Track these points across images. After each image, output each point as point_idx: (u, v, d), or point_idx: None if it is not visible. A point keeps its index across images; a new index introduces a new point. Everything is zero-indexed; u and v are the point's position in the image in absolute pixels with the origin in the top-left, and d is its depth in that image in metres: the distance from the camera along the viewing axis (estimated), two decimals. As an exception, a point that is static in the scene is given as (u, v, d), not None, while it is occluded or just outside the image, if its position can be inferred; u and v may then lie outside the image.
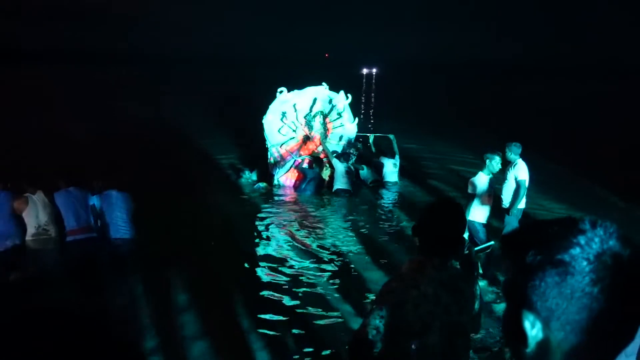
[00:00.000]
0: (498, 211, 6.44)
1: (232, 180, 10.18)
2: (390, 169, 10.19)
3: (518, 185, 6.12)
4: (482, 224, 5.96)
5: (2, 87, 34.88)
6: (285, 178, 9.96)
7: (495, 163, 5.92)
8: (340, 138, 10.46)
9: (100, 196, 6.10)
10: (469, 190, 6.03)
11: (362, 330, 2.06)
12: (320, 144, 10.13)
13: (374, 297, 2.18)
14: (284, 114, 9.89)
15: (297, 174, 10.00)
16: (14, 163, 9.92)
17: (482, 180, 5.97)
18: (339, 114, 10.33)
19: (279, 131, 9.91)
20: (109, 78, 50.11)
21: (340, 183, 9.38)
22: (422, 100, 34.79)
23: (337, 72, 53.84)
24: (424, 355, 2.05)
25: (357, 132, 10.74)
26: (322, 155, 10.08)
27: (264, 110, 10.04)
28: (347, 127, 10.45)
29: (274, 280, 5.78)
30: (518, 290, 0.81)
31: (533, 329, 0.79)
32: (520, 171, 6.16)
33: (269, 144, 10.00)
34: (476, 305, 2.18)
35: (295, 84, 10.31)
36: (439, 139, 15.85)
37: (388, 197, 9.72)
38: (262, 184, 9.78)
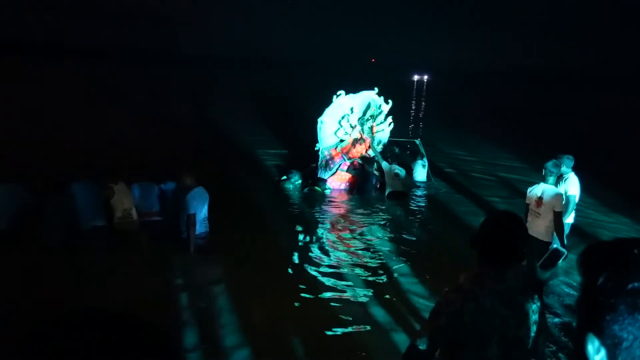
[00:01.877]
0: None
1: (278, 183, 10.21)
2: (420, 169, 10.86)
3: (568, 200, 5.81)
4: (544, 242, 5.35)
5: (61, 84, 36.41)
6: (333, 181, 10.12)
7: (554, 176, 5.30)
8: (379, 142, 10.75)
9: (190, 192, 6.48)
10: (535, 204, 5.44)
11: (417, 340, 2.06)
12: (368, 148, 10.37)
13: (433, 308, 2.15)
14: (343, 117, 10.14)
15: (348, 177, 10.15)
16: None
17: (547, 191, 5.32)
18: (384, 119, 10.64)
19: (335, 133, 10.13)
20: (155, 77, 51.36)
21: (391, 186, 9.60)
22: (468, 107, 34.23)
23: (384, 77, 53.48)
24: None
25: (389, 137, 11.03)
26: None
27: (310, 113, 10.27)
28: (385, 131, 10.79)
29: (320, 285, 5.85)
30: (587, 312, 0.77)
31: (597, 355, 0.74)
32: (571, 186, 5.87)
33: (320, 146, 10.18)
34: (535, 326, 2.12)
35: (343, 88, 10.45)
36: (485, 146, 15.74)
37: (428, 202, 9.80)
38: (317, 188, 9.87)
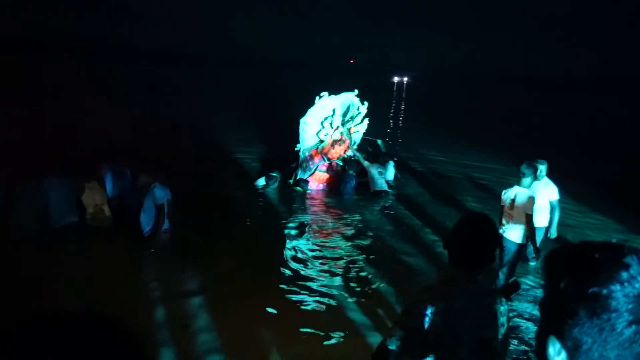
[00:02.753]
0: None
1: (259, 186, 10.08)
2: (390, 169, 10.65)
3: (552, 206, 5.99)
4: (517, 243, 5.37)
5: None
6: (312, 181, 10.13)
7: (529, 178, 5.34)
8: (354, 143, 10.86)
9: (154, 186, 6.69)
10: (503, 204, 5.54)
11: (387, 340, 2.08)
12: (347, 149, 10.42)
13: (403, 308, 2.16)
14: (325, 118, 10.22)
15: (325, 177, 10.20)
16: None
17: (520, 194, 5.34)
18: (361, 121, 10.72)
19: (317, 134, 10.19)
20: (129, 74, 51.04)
21: (377, 185, 9.82)
22: (446, 109, 34.67)
23: (363, 78, 53.89)
24: None
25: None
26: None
27: (290, 113, 10.29)
28: (360, 132, 10.87)
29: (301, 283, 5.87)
30: (549, 315, 0.78)
31: (557, 357, 0.75)
32: (553, 192, 6.00)
33: (301, 146, 10.21)
34: (503, 328, 2.14)
35: (322, 89, 10.50)
36: (459, 147, 15.94)
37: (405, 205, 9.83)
38: (298, 188, 9.91)
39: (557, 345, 0.75)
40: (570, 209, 9.05)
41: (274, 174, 10.16)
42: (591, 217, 9.11)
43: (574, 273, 0.75)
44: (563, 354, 0.74)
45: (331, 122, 10.23)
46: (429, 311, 2.02)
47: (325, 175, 10.23)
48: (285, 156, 11.06)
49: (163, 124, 17.52)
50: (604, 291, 0.70)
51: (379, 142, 11.17)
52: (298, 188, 9.92)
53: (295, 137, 10.27)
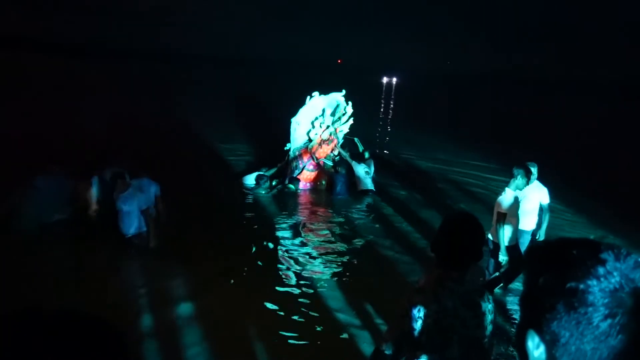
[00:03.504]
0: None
1: (249, 186, 10.04)
2: (364, 175, 10.38)
3: (543, 210, 6.04)
4: (505, 245, 5.44)
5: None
6: (301, 181, 10.20)
7: (521, 178, 5.37)
8: (339, 142, 10.91)
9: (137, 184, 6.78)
10: (496, 208, 5.54)
11: (382, 345, 2.11)
12: (334, 148, 10.49)
13: (396, 311, 2.19)
14: (316, 117, 10.33)
15: (312, 176, 10.25)
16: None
17: (508, 196, 5.40)
18: (346, 121, 10.78)
19: (307, 134, 10.28)
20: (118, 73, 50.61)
21: (364, 184, 9.93)
22: (434, 110, 34.89)
23: (352, 79, 53.98)
24: None
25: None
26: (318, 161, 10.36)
27: (276, 113, 10.24)
28: (343, 132, 10.90)
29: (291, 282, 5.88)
30: (528, 309, 0.80)
31: (536, 350, 0.77)
32: (544, 195, 6.00)
33: (292, 145, 10.27)
34: (491, 326, 2.16)
35: (310, 89, 10.53)
36: (443, 147, 16.09)
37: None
38: (290, 185, 9.95)
39: (536, 339, 0.77)
40: (559, 209, 9.18)
41: (264, 174, 10.16)
42: (578, 217, 9.25)
43: (552, 269, 0.77)
44: (542, 348, 0.76)
45: (322, 122, 10.31)
46: (421, 313, 2.04)
47: (313, 174, 10.28)
48: (272, 155, 11.05)
49: (147, 124, 17.26)
50: (581, 286, 0.72)
51: (356, 140, 11.22)
52: (291, 186, 9.94)
53: (282, 137, 10.26)
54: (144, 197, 6.34)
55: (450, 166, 13.57)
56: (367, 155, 10.68)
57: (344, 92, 10.59)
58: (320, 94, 10.38)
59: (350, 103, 10.71)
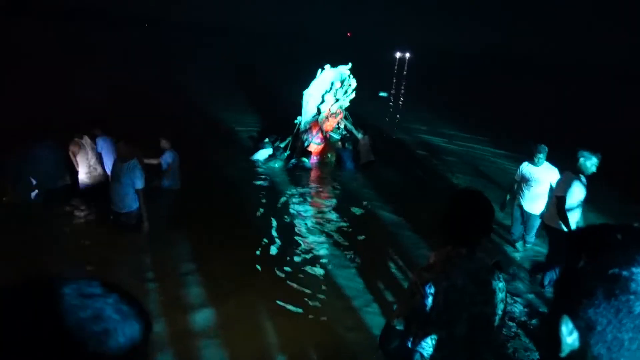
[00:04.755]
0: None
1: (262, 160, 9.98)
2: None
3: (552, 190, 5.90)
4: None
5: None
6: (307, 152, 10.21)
7: (590, 164, 5.08)
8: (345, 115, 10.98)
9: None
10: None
11: (394, 320, 2.11)
12: (339, 121, 10.54)
13: (407, 288, 2.18)
14: (327, 90, 10.35)
15: (319, 149, 10.24)
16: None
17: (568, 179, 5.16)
18: (351, 93, 10.75)
19: (318, 106, 10.27)
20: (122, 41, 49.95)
21: (366, 156, 10.07)
22: (446, 87, 34.34)
23: (362, 53, 53.18)
24: (451, 345, 2.08)
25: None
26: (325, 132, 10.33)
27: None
28: (346, 105, 10.85)
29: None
30: (564, 293, 0.76)
31: (569, 337, 0.74)
32: (556, 176, 5.82)
33: (303, 118, 10.27)
34: (502, 304, 2.14)
35: (318, 61, 10.47)
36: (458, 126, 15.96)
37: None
38: (304, 159, 9.88)
39: (570, 325, 0.74)
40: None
41: (279, 145, 10.16)
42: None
43: (593, 253, 0.74)
44: (575, 334, 0.73)
45: (335, 94, 10.35)
46: (432, 290, 2.03)
47: (320, 148, 10.27)
48: (277, 126, 11.05)
49: (147, 95, 16.81)
50: (624, 273, 0.69)
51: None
52: (305, 160, 9.90)
53: (286, 108, 10.23)
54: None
55: (458, 142, 13.61)
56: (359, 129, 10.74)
57: (350, 65, 10.57)
58: (330, 67, 10.37)
59: (352, 77, 10.66)
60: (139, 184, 5.68)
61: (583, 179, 5.05)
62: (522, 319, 4.91)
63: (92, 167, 6.76)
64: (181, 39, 66.00)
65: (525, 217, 6.15)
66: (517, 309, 5.08)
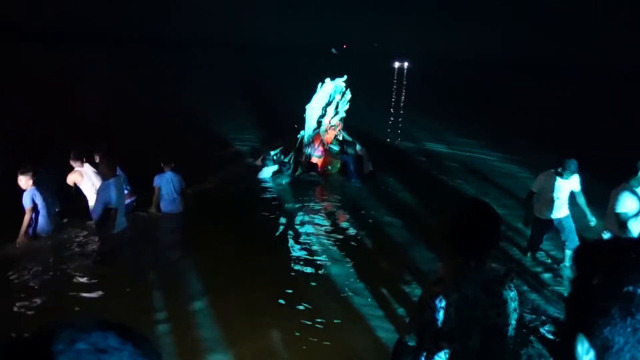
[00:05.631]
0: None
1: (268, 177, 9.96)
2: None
3: (574, 195, 6.03)
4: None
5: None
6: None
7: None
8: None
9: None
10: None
11: (405, 336, 2.10)
12: (337, 133, 10.61)
13: (418, 302, 2.16)
14: (327, 103, 10.48)
15: (321, 161, 10.25)
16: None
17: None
18: (345, 104, 10.88)
19: (320, 119, 10.34)
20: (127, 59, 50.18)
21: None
22: (448, 96, 34.35)
23: (359, 64, 53.36)
24: (465, 358, 2.05)
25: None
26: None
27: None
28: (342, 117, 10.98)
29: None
30: (578, 311, 0.74)
31: (585, 356, 0.71)
32: (576, 183, 5.98)
33: (306, 132, 10.28)
34: (515, 313, 2.12)
35: (316, 74, 10.58)
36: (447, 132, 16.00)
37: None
38: (313, 173, 9.91)
39: (586, 344, 0.71)
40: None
41: (285, 161, 10.11)
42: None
43: (607, 270, 0.71)
44: (592, 353, 0.71)
45: (335, 107, 10.49)
46: (443, 303, 2.01)
47: (321, 160, 10.30)
48: (279, 141, 11.02)
49: (146, 112, 16.86)
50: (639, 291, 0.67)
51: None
52: (314, 173, 9.94)
53: (287, 123, 10.29)
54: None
55: (459, 150, 13.62)
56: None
57: (345, 77, 10.70)
58: (330, 80, 10.51)
59: (348, 89, 10.78)
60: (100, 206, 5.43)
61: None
62: (534, 324, 4.86)
63: None
64: (174, 54, 65.80)
65: (558, 224, 6.09)
66: (529, 316, 5.03)
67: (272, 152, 10.47)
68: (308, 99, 10.34)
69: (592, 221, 5.92)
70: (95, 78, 28.59)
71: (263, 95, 22.84)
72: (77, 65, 40.05)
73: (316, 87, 10.38)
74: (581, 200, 5.99)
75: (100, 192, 5.44)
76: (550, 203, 5.98)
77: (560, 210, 6.03)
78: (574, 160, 5.85)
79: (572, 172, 5.81)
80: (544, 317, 5.02)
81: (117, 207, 5.43)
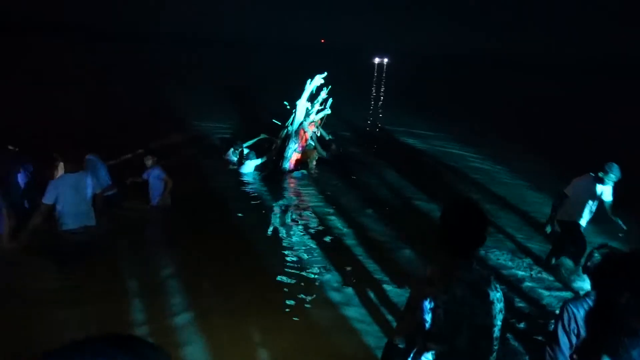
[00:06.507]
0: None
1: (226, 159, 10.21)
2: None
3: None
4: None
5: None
6: (289, 162, 10.24)
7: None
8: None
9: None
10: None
11: (395, 338, 2.11)
12: (312, 127, 10.72)
13: (407, 303, 2.16)
14: (315, 100, 10.73)
15: (298, 157, 10.32)
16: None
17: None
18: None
19: (307, 115, 10.48)
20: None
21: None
22: (425, 91, 34.64)
23: (339, 60, 53.23)
24: (452, 358, 2.06)
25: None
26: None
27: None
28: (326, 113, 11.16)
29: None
30: (601, 331, 0.70)
31: None
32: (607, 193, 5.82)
33: (293, 128, 10.31)
34: (501, 314, 2.12)
35: (299, 71, 10.56)
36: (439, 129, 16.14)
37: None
38: (302, 170, 10.04)
39: None
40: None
41: (267, 159, 10.20)
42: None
43: (636, 288, 0.64)
44: None
45: (321, 103, 10.78)
46: (432, 305, 2.02)
47: (298, 155, 10.35)
48: (251, 132, 11.20)
49: (127, 109, 16.65)
50: None
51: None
52: (303, 171, 10.06)
53: (266, 115, 10.16)
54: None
55: (436, 143, 13.85)
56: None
57: (325, 74, 10.77)
58: (313, 76, 10.65)
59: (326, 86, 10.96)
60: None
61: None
62: (511, 321, 4.89)
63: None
64: (157, 51, 64.83)
65: (578, 234, 5.86)
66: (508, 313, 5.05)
67: (245, 145, 10.62)
68: (285, 94, 10.44)
69: (622, 228, 5.86)
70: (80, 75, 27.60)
71: (240, 90, 22.68)
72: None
73: (291, 81, 10.48)
74: (609, 208, 5.80)
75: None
76: (582, 208, 5.73)
77: (588, 217, 5.82)
78: (617, 165, 5.55)
79: (615, 178, 5.54)
80: (518, 314, 5.05)
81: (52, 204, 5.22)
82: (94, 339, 0.64)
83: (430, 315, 2.00)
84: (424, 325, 2.01)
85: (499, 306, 2.10)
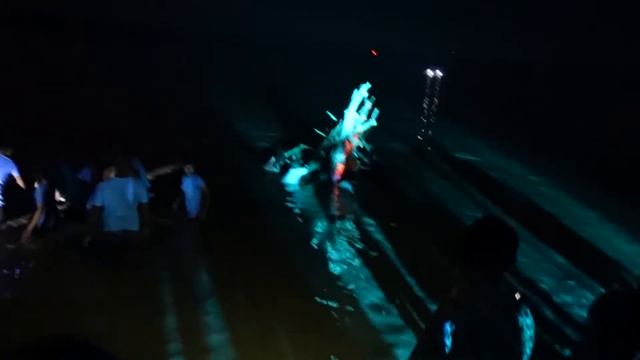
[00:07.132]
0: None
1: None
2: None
3: None
4: None
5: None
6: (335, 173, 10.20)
7: None
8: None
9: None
10: None
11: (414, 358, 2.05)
12: (356, 138, 10.62)
13: (428, 324, 2.12)
14: (360, 109, 10.64)
15: (342, 168, 10.20)
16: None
17: None
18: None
19: (354, 125, 10.43)
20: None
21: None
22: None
23: (392, 71, 51.54)
24: None
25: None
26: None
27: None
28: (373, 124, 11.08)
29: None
30: None
31: None
32: None
33: (339, 138, 10.29)
34: (531, 342, 2.01)
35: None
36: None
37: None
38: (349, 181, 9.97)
39: None
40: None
41: (316, 169, 10.17)
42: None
43: None
44: None
45: (369, 113, 10.64)
46: (453, 328, 1.94)
47: (343, 166, 10.25)
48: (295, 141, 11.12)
49: (162, 110, 16.80)
50: None
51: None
52: (346, 183, 9.95)
53: (311, 124, 10.34)
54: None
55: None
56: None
57: (368, 84, 10.59)
58: (359, 86, 10.58)
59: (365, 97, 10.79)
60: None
61: None
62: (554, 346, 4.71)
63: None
64: (192, 50, 64.09)
65: None
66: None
67: (286, 154, 10.60)
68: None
69: None
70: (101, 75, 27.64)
71: (285, 96, 22.46)
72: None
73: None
74: None
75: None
76: None
77: None
78: None
79: None
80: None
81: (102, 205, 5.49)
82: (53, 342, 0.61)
83: (450, 339, 1.93)
84: (443, 350, 1.94)
85: (528, 333, 1.99)
